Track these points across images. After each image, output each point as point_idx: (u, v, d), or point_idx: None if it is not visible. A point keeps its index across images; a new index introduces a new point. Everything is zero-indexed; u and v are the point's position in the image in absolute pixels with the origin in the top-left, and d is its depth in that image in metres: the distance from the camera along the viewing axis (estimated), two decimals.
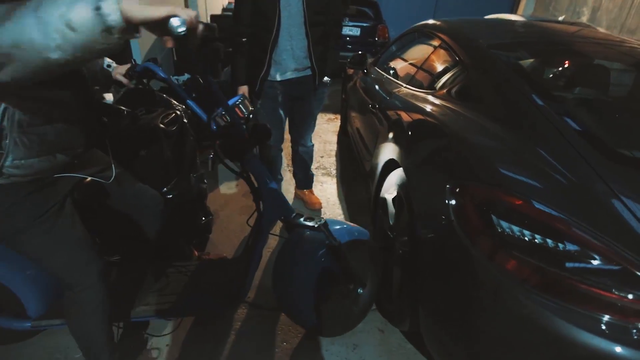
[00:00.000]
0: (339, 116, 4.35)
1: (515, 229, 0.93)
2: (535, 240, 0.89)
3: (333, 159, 3.33)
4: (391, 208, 1.64)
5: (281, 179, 2.44)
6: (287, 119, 2.25)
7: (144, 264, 1.59)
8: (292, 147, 2.40)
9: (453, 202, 1.06)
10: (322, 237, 1.30)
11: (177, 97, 1.43)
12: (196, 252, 1.77)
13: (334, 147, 3.61)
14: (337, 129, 4.09)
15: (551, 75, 1.67)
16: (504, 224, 0.94)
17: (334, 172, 3.08)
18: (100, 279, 1.11)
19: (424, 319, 1.21)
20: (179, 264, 1.61)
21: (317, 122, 4.22)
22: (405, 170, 1.41)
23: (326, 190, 2.78)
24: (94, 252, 1.10)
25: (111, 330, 1.23)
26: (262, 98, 2.03)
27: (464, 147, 1.18)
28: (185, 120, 1.89)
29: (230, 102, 1.16)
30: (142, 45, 3.94)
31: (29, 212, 0.93)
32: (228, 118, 1.13)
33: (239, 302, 1.34)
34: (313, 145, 2.41)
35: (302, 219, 1.32)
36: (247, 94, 2.00)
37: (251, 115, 1.21)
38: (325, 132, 4.01)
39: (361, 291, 1.42)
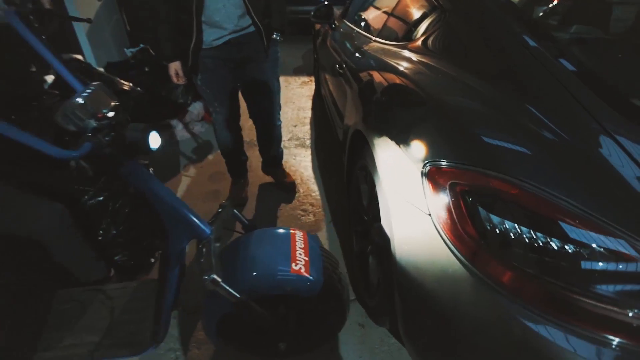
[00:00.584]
0: (313, 78, 4.00)
1: (510, 226, 0.70)
2: (537, 242, 0.67)
3: (307, 127, 3.05)
4: (364, 185, 1.42)
5: (245, 159, 2.15)
6: (241, 94, 1.89)
7: (48, 291, 1.26)
8: (256, 130, 2.04)
9: (429, 189, 0.83)
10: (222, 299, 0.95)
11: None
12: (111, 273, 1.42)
13: (309, 113, 3.32)
14: (312, 92, 3.77)
15: (544, 12, 1.39)
16: (495, 219, 0.72)
17: (309, 142, 2.82)
18: None
19: (400, 321, 1.01)
20: (98, 290, 1.28)
21: (291, 86, 3.95)
22: (371, 146, 1.15)
23: (300, 164, 2.53)
24: None
25: None
26: (200, 72, 1.68)
27: (442, 115, 0.93)
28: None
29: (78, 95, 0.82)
30: (84, 13, 3.46)
31: None
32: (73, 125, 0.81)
33: (146, 347, 1.08)
34: (280, 123, 2.02)
35: (213, 247, 0.96)
36: (180, 71, 1.67)
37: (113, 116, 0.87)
38: (299, 97, 3.69)
39: (282, 347, 1.16)
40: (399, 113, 1.11)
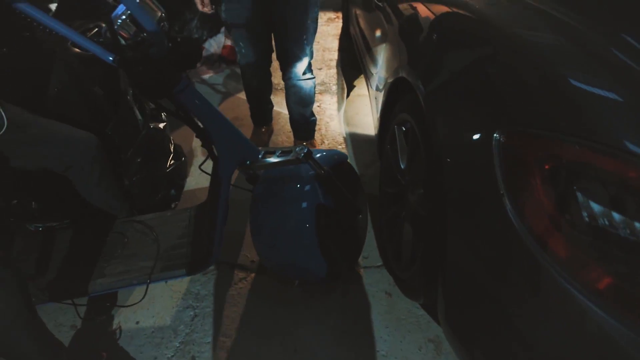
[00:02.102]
0: (341, 15, 3.60)
1: (619, 220, 0.52)
2: None
3: (334, 71, 2.78)
4: (403, 144, 1.23)
5: (271, 107, 1.95)
6: (271, 34, 1.60)
7: (90, 226, 1.30)
8: (283, 79, 1.72)
9: (505, 162, 0.64)
10: (307, 169, 1.10)
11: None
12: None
13: (335, 55, 3.02)
14: (339, 31, 3.40)
15: None
16: (598, 210, 0.54)
17: (335, 88, 2.57)
18: (11, 299, 0.82)
19: (442, 302, 0.89)
20: (136, 221, 1.30)
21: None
22: (422, 97, 0.95)
23: (325, 112, 2.32)
24: None
25: (43, 326, 0.96)
26: (224, 1, 1.45)
27: (520, 59, 0.71)
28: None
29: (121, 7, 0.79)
30: None
31: None
32: (130, 31, 0.81)
33: (206, 265, 1.12)
34: (314, 77, 1.72)
35: (278, 153, 1.09)
36: None
37: (163, 24, 0.85)
38: (325, 35, 3.35)
39: (360, 217, 1.28)
40: (459, 55, 0.89)
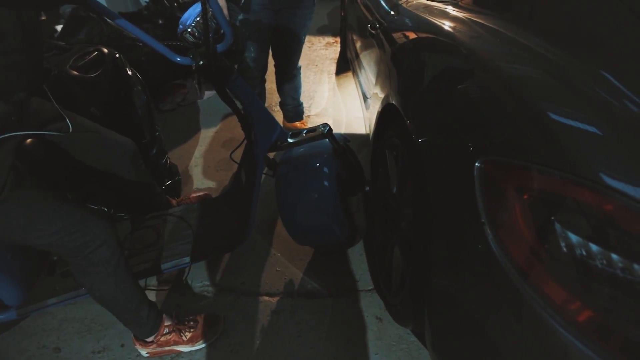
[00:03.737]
0: (339, 39, 3.70)
1: (597, 251, 0.53)
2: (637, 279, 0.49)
3: (330, 94, 2.83)
4: (393, 168, 1.25)
5: None
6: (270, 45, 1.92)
7: (136, 217, 1.47)
8: (277, 73, 2.10)
9: (486, 190, 0.65)
10: (326, 145, 1.25)
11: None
12: (174, 200, 1.59)
13: (333, 78, 3.08)
14: (337, 55, 3.49)
15: None
16: (576, 240, 0.54)
17: (331, 111, 2.61)
18: (111, 232, 0.98)
19: (430, 329, 0.88)
20: (166, 213, 1.47)
21: (314, 47, 3.68)
22: (410, 124, 0.97)
23: None
24: (88, 208, 0.98)
25: (139, 284, 1.10)
26: (242, 12, 1.66)
27: (502, 91, 0.73)
28: (118, 57, 1.44)
29: (193, 12, 1.01)
30: None
31: None
32: (196, 33, 1.03)
33: (246, 237, 1.28)
34: (300, 67, 2.11)
35: (304, 132, 1.25)
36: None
37: (218, 26, 1.05)
38: (322, 59, 3.43)
39: (368, 188, 1.39)
40: (445, 85, 0.90)
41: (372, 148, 1.51)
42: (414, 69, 1.08)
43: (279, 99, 2.24)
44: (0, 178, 0.79)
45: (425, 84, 0.99)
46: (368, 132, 1.71)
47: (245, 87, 1.16)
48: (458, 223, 0.72)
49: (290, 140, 1.24)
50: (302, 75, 2.13)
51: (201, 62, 1.06)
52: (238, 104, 1.26)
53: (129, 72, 1.49)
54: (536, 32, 0.81)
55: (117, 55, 1.45)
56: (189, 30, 1.03)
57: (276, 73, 2.10)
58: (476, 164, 0.67)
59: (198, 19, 1.02)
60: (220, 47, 1.07)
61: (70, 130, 1.03)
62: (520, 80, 0.72)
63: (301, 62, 2.08)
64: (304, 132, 1.25)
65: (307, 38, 3.89)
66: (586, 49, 0.71)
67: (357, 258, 1.53)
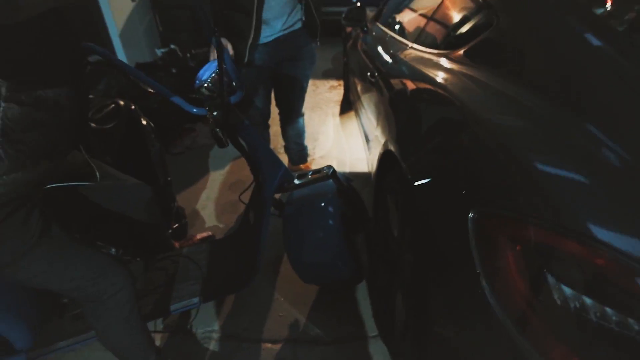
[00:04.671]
0: (342, 83, 3.85)
1: (590, 304, 0.53)
2: (630, 333, 0.50)
3: (334, 136, 2.90)
4: (394, 212, 1.26)
5: None
6: (273, 92, 1.98)
7: (148, 259, 1.51)
8: (281, 120, 2.14)
9: (479, 240, 0.67)
10: (330, 185, 1.31)
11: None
12: (177, 243, 1.62)
13: (337, 120, 3.17)
14: (341, 97, 3.62)
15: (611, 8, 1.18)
16: (568, 293, 0.55)
17: (335, 152, 2.67)
18: (129, 278, 1.01)
19: None
20: (175, 254, 1.51)
21: (319, 90, 3.83)
22: (406, 171, 1.00)
23: None
24: (109, 254, 1.03)
25: (148, 329, 1.13)
26: (245, 67, 1.73)
27: (492, 142, 0.76)
28: (133, 109, 1.52)
29: (209, 69, 1.10)
30: (116, 16, 3.48)
31: (12, 242, 0.79)
32: (211, 86, 1.10)
33: (254, 276, 1.30)
34: (304, 113, 2.16)
35: (310, 174, 1.32)
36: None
37: (231, 81, 1.16)
38: (327, 102, 3.55)
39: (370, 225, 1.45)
40: (437, 136, 0.94)
41: (374, 190, 1.53)
42: (410, 118, 1.13)
43: (284, 143, 2.30)
44: (31, 226, 0.81)
45: (421, 132, 1.03)
46: (370, 170, 1.74)
47: (254, 133, 1.25)
48: (455, 272, 0.73)
49: (296, 181, 1.31)
50: (306, 118, 2.19)
51: (215, 113, 1.13)
52: (247, 148, 1.33)
53: (144, 122, 1.57)
54: (525, 85, 0.85)
55: (133, 107, 1.54)
56: (205, 85, 1.11)
57: (280, 120, 2.16)
58: (469, 214, 0.68)
59: (213, 74, 1.10)
60: (233, 99, 1.16)
61: (98, 179, 1.08)
62: (509, 132, 0.75)
63: (306, 105, 2.13)
64: (310, 173, 1.32)
65: (312, 82, 4.08)
66: (573, 103, 0.74)
67: (362, 301, 1.51)
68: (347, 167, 2.45)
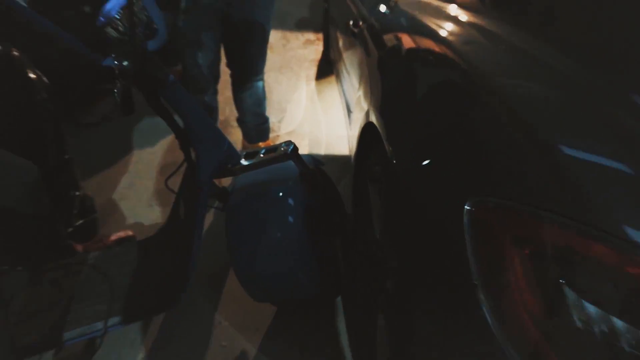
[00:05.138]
0: (321, 36, 3.81)
1: (621, 327, 0.52)
2: None
3: (308, 105, 2.89)
4: (377, 206, 1.26)
5: None
6: (222, 45, 1.96)
7: (34, 268, 1.44)
8: (234, 83, 2.12)
9: (477, 242, 0.65)
10: (290, 168, 1.28)
11: None
12: (79, 246, 1.58)
13: (312, 85, 3.15)
14: (319, 55, 3.59)
15: None
16: (594, 313, 0.53)
17: (307, 128, 2.65)
18: None
19: None
20: (74, 262, 1.46)
21: (290, 45, 3.77)
22: (390, 149, 0.98)
23: None
24: None
25: None
26: (183, 12, 1.71)
27: (504, 114, 0.75)
28: (16, 57, 1.45)
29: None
30: None
31: None
32: (120, 27, 1.02)
33: (181, 294, 1.27)
34: (263, 80, 2.15)
35: (262, 152, 1.27)
36: None
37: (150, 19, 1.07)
38: (300, 60, 3.52)
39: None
40: (434, 106, 0.93)
41: (353, 177, 1.52)
42: (400, 80, 1.12)
43: (238, 114, 2.27)
44: None
45: (413, 100, 1.02)
46: (351, 151, 1.73)
47: (185, 95, 1.18)
48: (446, 284, 0.71)
49: (244, 162, 1.26)
50: (271, 81, 2.21)
51: (125, 63, 1.06)
52: (174, 115, 1.27)
53: (32, 76, 1.49)
54: (556, 43, 0.84)
55: (16, 54, 1.45)
56: (112, 23, 1.04)
57: (232, 83, 2.13)
58: (466, 206, 0.66)
59: (123, 8, 1.03)
60: (151, 45, 1.09)
61: None
62: (530, 104, 0.74)
63: (271, 64, 2.14)
64: (262, 152, 1.28)
65: (282, 34, 4.05)
66: (617, 71, 0.73)
67: (334, 326, 1.52)
68: (323, 148, 2.44)
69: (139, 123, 2.63)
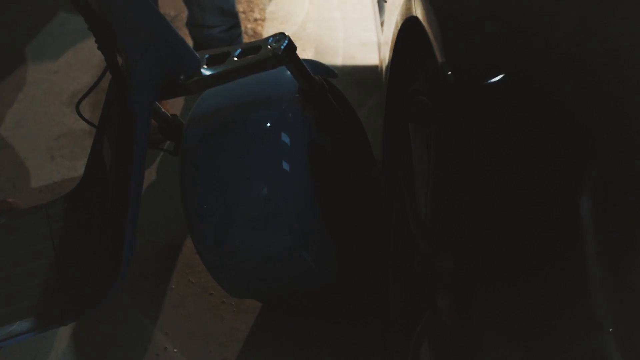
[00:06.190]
0: None
1: None
2: None
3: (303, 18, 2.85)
4: (423, 163, 1.25)
5: None
6: None
7: None
8: None
9: (611, 234, 0.69)
10: (286, 81, 1.33)
11: None
12: None
13: None
14: None
15: None
16: None
17: (310, 29, 2.61)
18: None
19: None
20: None
21: None
22: (445, 67, 0.96)
23: None
24: None
25: None
26: None
27: None
28: None
29: None
30: None
31: None
32: None
33: (110, 291, 1.28)
34: None
35: (236, 54, 1.27)
36: None
37: None
38: None
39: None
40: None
41: (385, 107, 1.54)
42: None
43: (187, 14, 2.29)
44: None
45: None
46: (382, 67, 1.80)
47: None
48: (544, 293, 0.75)
49: (206, 72, 1.25)
50: None
51: None
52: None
53: None
54: None
55: None
56: None
57: None
58: (587, 174, 0.67)
59: None
60: None
61: None
62: None
63: None
64: (236, 53, 1.26)
65: None
66: None
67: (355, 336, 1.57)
68: (340, 59, 2.41)
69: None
